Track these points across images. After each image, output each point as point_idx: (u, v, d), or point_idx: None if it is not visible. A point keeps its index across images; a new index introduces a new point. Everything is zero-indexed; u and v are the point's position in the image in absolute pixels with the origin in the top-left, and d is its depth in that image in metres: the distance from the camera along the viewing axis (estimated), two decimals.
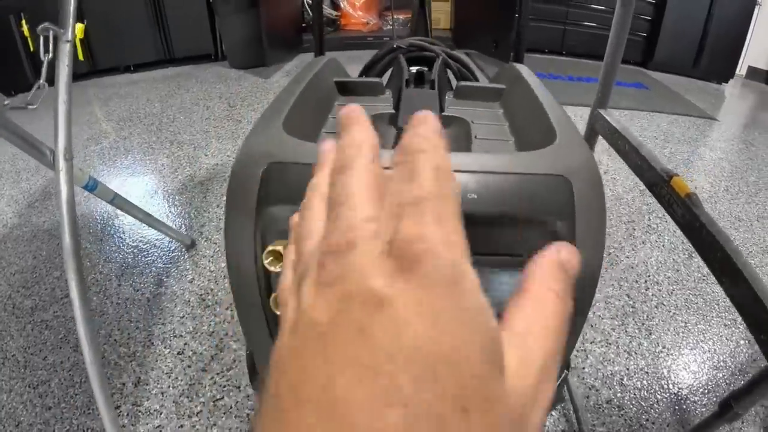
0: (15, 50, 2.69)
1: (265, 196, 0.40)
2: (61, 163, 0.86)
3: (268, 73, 2.98)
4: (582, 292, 0.40)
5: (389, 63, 0.87)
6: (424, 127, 0.20)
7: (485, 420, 0.13)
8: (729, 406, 0.54)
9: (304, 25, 3.41)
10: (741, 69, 3.60)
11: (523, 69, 0.67)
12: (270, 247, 0.38)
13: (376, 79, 0.69)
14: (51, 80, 0.87)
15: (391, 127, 0.58)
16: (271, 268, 0.38)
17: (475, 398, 0.13)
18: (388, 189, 0.18)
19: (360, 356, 0.13)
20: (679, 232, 1.62)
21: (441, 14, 3.64)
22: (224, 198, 1.39)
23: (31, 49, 2.73)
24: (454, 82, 0.81)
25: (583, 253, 0.39)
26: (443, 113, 0.61)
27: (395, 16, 3.49)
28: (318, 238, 0.19)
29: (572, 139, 0.45)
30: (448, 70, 0.86)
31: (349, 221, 0.17)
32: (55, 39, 0.87)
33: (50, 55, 0.86)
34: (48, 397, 1.03)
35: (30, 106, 0.84)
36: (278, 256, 0.38)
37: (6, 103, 0.80)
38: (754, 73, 3.62)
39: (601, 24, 3.47)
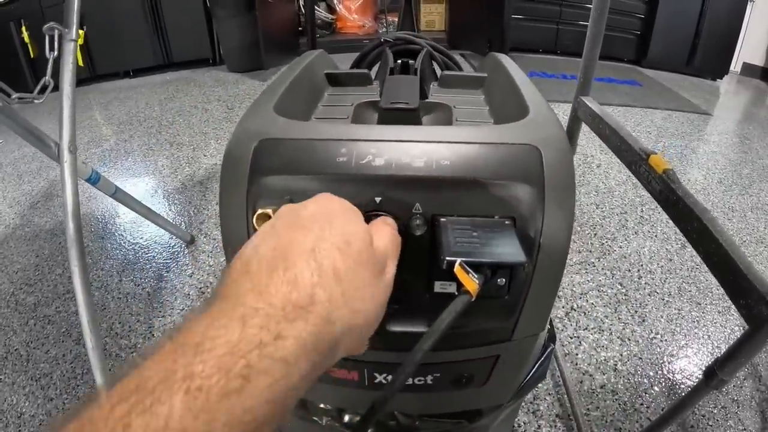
0: (15, 56, 2.73)
1: (257, 167, 0.42)
2: (66, 155, 0.89)
3: (265, 76, 3.01)
4: (552, 260, 0.42)
5: (377, 56, 0.89)
6: None
7: (363, 253, 0.30)
8: (714, 373, 0.56)
9: (300, 28, 3.44)
10: (736, 65, 3.62)
11: (503, 57, 0.70)
12: (260, 210, 0.40)
13: (364, 71, 0.72)
14: (56, 77, 0.90)
15: (375, 111, 0.60)
16: None
17: (361, 247, 0.30)
18: None
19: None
20: (672, 222, 1.64)
21: (435, 16, 3.68)
22: None
23: (32, 55, 2.76)
24: (440, 74, 0.84)
25: (553, 218, 0.41)
26: (427, 100, 0.64)
27: (389, 19, 3.53)
28: None
29: (543, 114, 0.47)
30: (434, 63, 0.89)
31: None
32: (60, 38, 0.89)
33: (55, 53, 0.89)
34: (50, 389, 1.05)
35: (36, 100, 0.86)
36: (267, 219, 0.41)
37: (13, 96, 0.82)
38: (749, 69, 3.63)
39: None
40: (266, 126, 0.45)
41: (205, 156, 2.05)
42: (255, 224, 0.40)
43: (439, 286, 0.42)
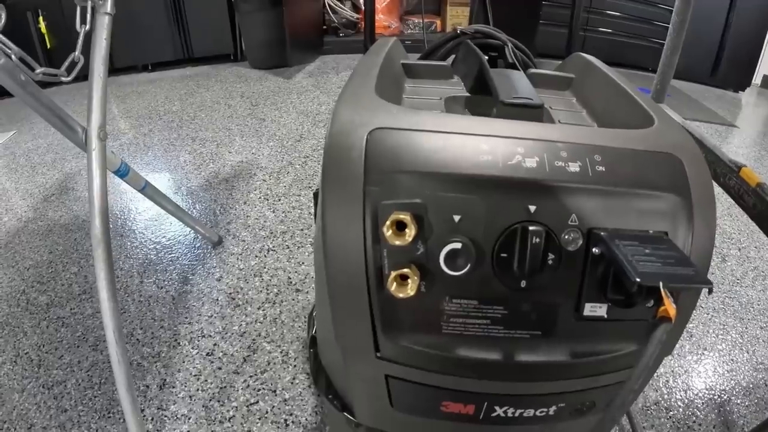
0: (32, 47, 2.67)
1: (375, 162, 0.35)
2: (95, 142, 0.79)
3: (289, 74, 2.93)
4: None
5: (452, 49, 0.85)
6: None
7: None
8: None
9: (324, 27, 3.38)
10: (756, 78, 3.58)
11: (594, 59, 0.66)
12: (393, 216, 0.32)
13: (444, 63, 0.68)
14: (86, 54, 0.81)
15: (467, 108, 0.56)
16: (395, 242, 0.32)
17: None
18: None
19: None
20: (723, 235, 1.56)
21: (462, 19, 3.62)
22: (251, 195, 1.33)
23: (48, 46, 2.70)
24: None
25: (700, 233, 0.37)
26: None
27: (416, 20, 3.47)
28: None
29: (671, 122, 0.44)
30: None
31: None
32: (93, 10, 0.81)
33: (87, 26, 0.80)
34: (64, 399, 0.96)
35: (63, 78, 0.77)
36: (401, 228, 0.32)
37: (38, 71, 0.73)
38: None
39: (619, 30, 3.45)
40: (376, 113, 0.38)
41: (230, 153, 1.96)
42: (386, 233, 0.32)
43: (589, 309, 0.37)
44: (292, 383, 0.98)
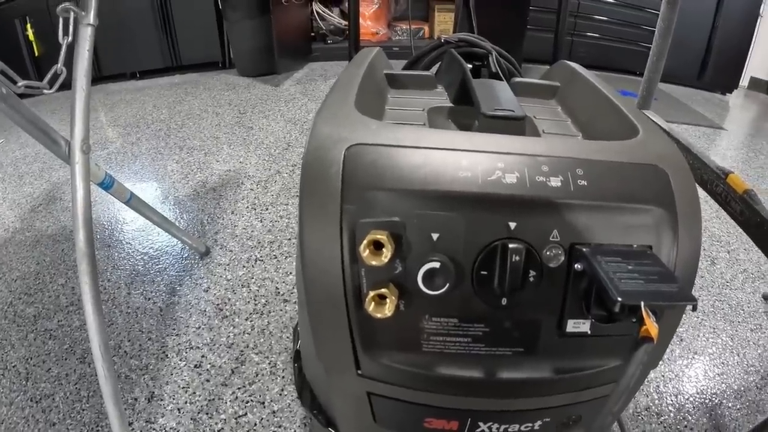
0: (19, 55, 2.65)
1: (353, 179, 0.35)
2: (78, 156, 0.79)
3: (277, 81, 2.93)
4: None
5: (436, 58, 0.84)
6: None
7: None
8: None
9: (312, 34, 3.38)
10: (743, 80, 3.62)
11: (579, 67, 0.66)
12: (369, 236, 0.32)
13: (428, 73, 0.68)
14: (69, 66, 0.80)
15: (450, 119, 0.56)
16: (372, 262, 0.32)
17: None
18: None
19: None
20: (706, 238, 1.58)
21: (450, 26, 3.63)
22: (238, 205, 1.32)
23: (36, 54, 2.68)
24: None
25: (684, 246, 0.37)
26: None
27: (404, 27, 3.48)
28: None
29: (656, 133, 0.44)
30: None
31: None
32: (76, 22, 0.80)
33: (69, 38, 0.80)
34: (52, 413, 0.95)
35: (46, 90, 0.77)
36: (378, 247, 0.32)
37: (19, 84, 0.72)
38: (756, 83, 3.63)
39: (606, 35, 3.47)
40: (354, 128, 0.37)
41: (217, 161, 1.96)
42: (362, 253, 0.32)
43: (572, 325, 0.36)
44: (280, 395, 0.97)
